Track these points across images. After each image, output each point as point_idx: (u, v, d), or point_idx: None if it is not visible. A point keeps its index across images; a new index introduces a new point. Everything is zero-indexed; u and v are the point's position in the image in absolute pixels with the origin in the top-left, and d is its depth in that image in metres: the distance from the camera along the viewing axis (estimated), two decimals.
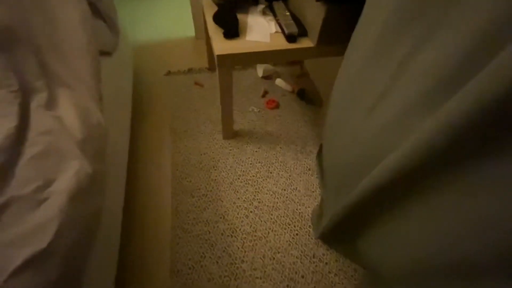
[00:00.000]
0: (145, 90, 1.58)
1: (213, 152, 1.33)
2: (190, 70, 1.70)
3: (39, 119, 0.73)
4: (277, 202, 1.17)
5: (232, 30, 0.97)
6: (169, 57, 1.79)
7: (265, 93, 1.62)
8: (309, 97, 1.59)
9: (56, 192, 0.63)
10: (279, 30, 1.04)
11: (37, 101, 0.76)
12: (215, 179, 1.24)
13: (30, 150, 0.68)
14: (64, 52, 0.87)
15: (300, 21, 1.04)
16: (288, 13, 1.05)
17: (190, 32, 1.92)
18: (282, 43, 0.99)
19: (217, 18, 0.99)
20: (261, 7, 1.10)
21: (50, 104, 0.77)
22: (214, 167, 1.28)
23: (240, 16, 1.06)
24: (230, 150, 1.35)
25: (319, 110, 1.55)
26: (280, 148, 1.37)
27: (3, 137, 0.66)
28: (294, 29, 0.99)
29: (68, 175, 0.67)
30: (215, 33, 1.00)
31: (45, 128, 0.72)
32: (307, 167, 1.30)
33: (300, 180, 1.25)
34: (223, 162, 1.30)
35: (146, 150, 1.32)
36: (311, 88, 1.65)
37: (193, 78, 1.67)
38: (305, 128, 1.46)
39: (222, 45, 0.96)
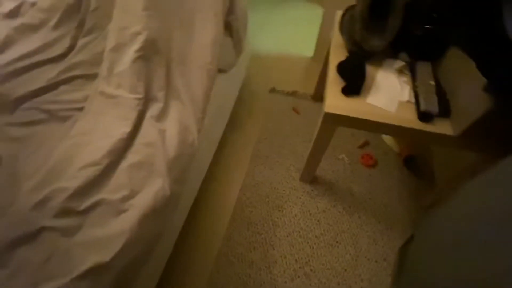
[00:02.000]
0: (244, 102, 1.63)
1: (283, 190, 1.28)
2: (293, 93, 1.66)
3: (147, 129, 0.82)
4: (331, 280, 1.04)
5: (353, 87, 0.86)
6: (279, 73, 1.79)
7: (365, 144, 1.43)
8: (418, 167, 1.32)
9: (135, 207, 0.70)
10: (413, 100, 0.86)
11: (152, 111, 0.86)
12: (275, 221, 1.18)
13: (131, 157, 0.77)
14: (188, 68, 0.95)
15: (446, 97, 0.83)
16: (433, 83, 0.85)
17: (309, 51, 1.86)
18: (410, 119, 0.82)
19: (341, 68, 0.89)
20: (399, 63, 0.93)
21: (161, 116, 0.86)
22: (279, 208, 1.22)
23: (369, 68, 0.93)
24: (302, 195, 1.26)
25: (427, 188, 1.26)
26: (359, 217, 1.19)
27: (117, 140, 0.77)
28: (434, 107, 0.80)
29: (149, 192, 0.73)
30: (333, 82, 0.91)
31: (149, 140, 0.80)
32: (383, 255, 1.10)
33: (368, 268, 1.06)
34: (290, 206, 1.23)
35: (223, 164, 1.37)
36: (424, 157, 1.36)
37: (294, 102, 1.62)
38: (399, 204, 1.22)
39: (335, 101, 0.86)
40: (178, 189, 0.82)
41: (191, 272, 1.06)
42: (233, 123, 1.51)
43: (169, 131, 0.84)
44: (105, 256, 0.62)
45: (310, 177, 1.27)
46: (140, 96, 0.84)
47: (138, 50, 0.86)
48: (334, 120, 0.85)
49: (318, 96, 1.60)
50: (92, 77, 0.97)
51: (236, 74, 1.34)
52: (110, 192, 0.70)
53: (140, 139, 0.80)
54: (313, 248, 1.11)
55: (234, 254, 1.10)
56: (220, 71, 1.11)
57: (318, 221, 1.19)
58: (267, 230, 1.16)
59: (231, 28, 1.13)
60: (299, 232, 1.16)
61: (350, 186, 1.29)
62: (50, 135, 0.84)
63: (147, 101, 0.86)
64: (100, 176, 0.72)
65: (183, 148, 0.85)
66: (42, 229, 0.62)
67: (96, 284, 0.60)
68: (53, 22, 1.07)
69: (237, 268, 1.07)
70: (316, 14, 2.04)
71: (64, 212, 0.65)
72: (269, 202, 1.24)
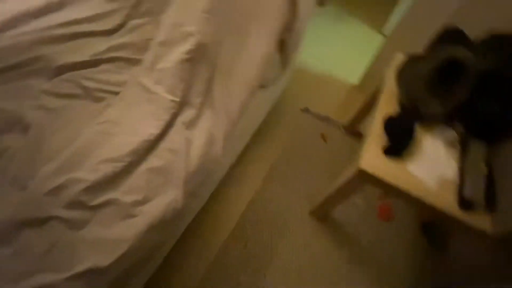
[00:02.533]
0: (273, 115, 1.58)
1: (291, 218, 1.25)
2: (326, 119, 1.60)
3: (174, 135, 0.80)
4: None
5: (397, 148, 0.80)
6: (317, 93, 1.73)
7: (386, 195, 1.36)
8: (435, 237, 1.24)
9: (144, 214, 0.69)
10: (457, 180, 0.79)
11: (185, 116, 0.84)
12: (274, 248, 1.16)
13: (152, 160, 0.75)
14: (231, 80, 0.92)
15: (495, 188, 0.76)
16: (484, 167, 0.78)
17: (354, 78, 1.78)
18: (449, 201, 0.76)
19: (390, 125, 0.83)
20: (452, 135, 0.86)
21: (192, 124, 0.84)
22: (281, 234, 1.20)
23: (418, 131, 0.86)
24: (308, 229, 1.22)
25: (437, 257, 1.20)
26: (360, 269, 1.15)
27: (143, 140, 0.76)
28: (479, 197, 0.73)
29: (162, 202, 0.72)
30: (376, 137, 0.85)
31: (174, 146, 0.79)
32: None
33: None
34: (293, 237, 1.20)
35: (236, 174, 1.34)
36: (443, 228, 1.28)
37: (324, 128, 1.57)
38: (404, 267, 1.17)
39: (373, 159, 0.81)
40: (190, 202, 0.80)
41: (179, 276, 1.06)
42: (258, 135, 1.48)
43: (196, 142, 0.82)
44: (104, 260, 0.61)
45: (321, 215, 1.23)
46: (177, 99, 0.82)
47: (186, 52, 0.83)
48: (366, 178, 0.80)
49: (352, 129, 1.53)
50: (134, 62, 0.96)
51: (274, 88, 1.30)
52: (124, 193, 0.69)
53: (165, 144, 0.79)
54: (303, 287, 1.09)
55: (225, 269, 1.09)
56: (260, 86, 1.07)
57: (315, 262, 1.15)
58: (264, 255, 1.14)
59: (283, 44, 1.08)
60: (296, 267, 1.13)
61: (359, 235, 1.24)
62: (81, 114, 0.84)
63: (182, 105, 0.84)
64: (119, 174, 0.71)
65: (206, 162, 0.83)
66: (51, 218, 0.62)
67: (90, 286, 0.60)
68: None
69: (224, 285, 1.06)
70: (373, 42, 1.95)
71: (76, 204, 0.65)
72: (273, 226, 1.22)
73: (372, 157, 0.81)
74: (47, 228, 0.62)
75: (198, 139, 0.83)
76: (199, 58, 0.85)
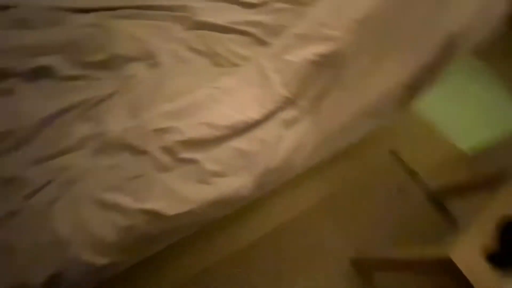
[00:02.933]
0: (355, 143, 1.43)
1: (321, 255, 1.14)
2: (413, 173, 1.42)
3: (271, 128, 0.80)
4: None
5: (506, 260, 0.66)
6: (416, 143, 1.52)
7: None
8: None
9: (216, 186, 0.72)
10: None
11: (286, 114, 0.83)
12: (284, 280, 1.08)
13: (242, 142, 0.77)
14: (346, 96, 0.87)
15: None
16: None
17: (466, 146, 1.52)
18: None
19: (509, 229, 0.68)
20: None
21: (290, 124, 0.83)
22: (303, 270, 1.11)
23: None
24: (335, 273, 1.11)
25: None
26: None
27: (243, 120, 0.77)
28: None
29: (235, 182, 0.74)
30: (481, 232, 0.71)
31: (266, 138, 0.79)
32: None
33: None
34: (314, 274, 1.11)
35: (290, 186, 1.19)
36: None
37: (405, 182, 1.39)
38: None
39: (468, 254, 0.68)
40: (254, 195, 0.80)
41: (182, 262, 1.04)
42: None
43: (286, 142, 0.81)
44: (169, 209, 0.66)
45: (363, 269, 1.12)
46: (288, 95, 0.81)
47: (319, 55, 0.80)
48: (450, 270, 0.68)
49: (438, 198, 1.34)
50: (262, 43, 0.97)
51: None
52: (208, 160, 0.73)
53: (259, 132, 0.79)
54: None
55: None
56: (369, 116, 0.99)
57: None
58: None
59: (416, 82, 0.97)
60: None
61: None
62: (200, 71, 0.90)
63: (289, 103, 0.83)
64: (210, 141, 0.74)
65: (285, 165, 0.81)
66: (147, 152, 0.69)
67: (147, 228, 0.65)
68: None
69: None
70: (510, 115, 1.62)
71: (169, 150, 0.70)
72: (298, 259, 1.13)
73: (467, 252, 0.68)
74: (141, 159, 0.69)
75: (289, 141, 0.82)
76: (327, 64, 0.82)
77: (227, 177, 0.74)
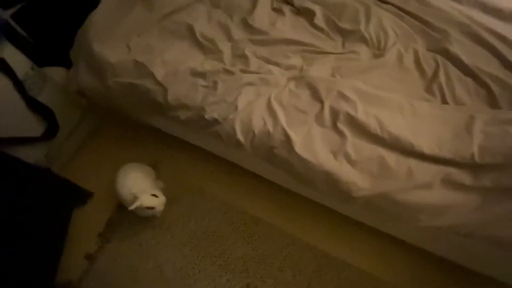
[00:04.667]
0: None
1: None
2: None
3: (422, 168, 0.75)
4: None
5: None
6: None
7: None
8: None
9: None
10: None
11: (455, 173, 0.74)
12: None
13: (383, 152, 0.77)
14: None
15: None
16: None
17: None
18: None
19: None
20: None
21: (447, 184, 0.74)
22: None
23: None
24: None
25: None
26: None
27: (410, 142, 0.76)
28: None
29: None
30: None
31: (401, 167, 0.75)
32: None
33: None
34: None
35: None
36: None
37: None
38: None
39: None
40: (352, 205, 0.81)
41: None
42: None
43: (429, 195, 0.74)
44: (299, 147, 0.79)
45: None
46: (476, 160, 0.72)
47: None
48: None
49: None
50: (492, 102, 0.86)
51: None
52: (353, 144, 0.79)
53: (413, 162, 0.76)
54: None
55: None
56: None
57: None
58: None
59: None
60: None
61: None
62: (413, 85, 0.91)
63: (468, 167, 0.73)
64: (364, 135, 0.79)
65: (404, 209, 0.76)
66: (322, 103, 0.83)
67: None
68: None
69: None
70: None
71: (335, 113, 0.82)
72: None
73: None
74: (315, 104, 0.83)
75: (434, 196, 0.74)
76: None
77: (353, 168, 0.77)
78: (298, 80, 0.89)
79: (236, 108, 0.85)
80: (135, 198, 0.97)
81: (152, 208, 0.98)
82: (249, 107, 0.85)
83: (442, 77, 0.91)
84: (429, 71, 0.93)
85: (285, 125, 0.81)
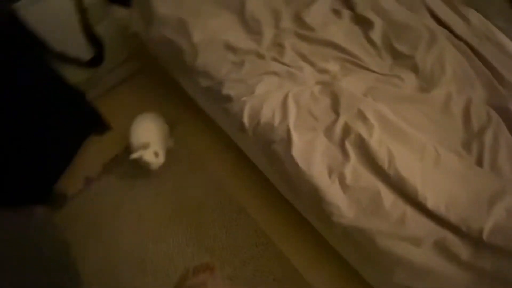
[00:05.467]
0: None
1: None
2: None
3: (409, 224, 0.67)
4: None
5: None
6: None
7: None
8: None
9: None
10: None
11: (450, 240, 0.66)
12: None
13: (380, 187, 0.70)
14: None
15: None
16: None
17: None
18: None
19: None
20: None
21: (439, 248, 0.66)
22: None
23: None
24: None
25: None
26: None
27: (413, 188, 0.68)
28: None
29: None
30: None
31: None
32: None
33: None
34: None
35: None
36: None
37: None
38: None
39: None
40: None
41: None
42: None
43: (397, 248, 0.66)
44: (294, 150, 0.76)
45: None
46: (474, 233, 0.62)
47: None
48: None
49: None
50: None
51: None
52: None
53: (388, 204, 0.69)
54: None
55: None
56: None
57: None
58: None
59: None
60: None
61: None
62: (451, 130, 0.82)
63: (464, 235, 0.64)
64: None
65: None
66: (339, 114, 0.78)
67: None
68: None
69: None
70: None
71: (346, 130, 0.77)
72: None
73: None
74: (331, 113, 0.79)
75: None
76: None
77: (343, 192, 0.72)
78: (325, 86, 0.84)
79: (253, 92, 0.84)
80: (139, 148, 1.03)
81: (148, 164, 1.03)
82: (265, 96, 0.83)
83: (488, 137, 0.79)
84: (476, 125, 0.82)
85: (291, 125, 0.78)
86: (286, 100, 0.82)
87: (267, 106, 0.81)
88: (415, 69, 0.91)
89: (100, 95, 1.35)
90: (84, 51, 1.20)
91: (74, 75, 1.19)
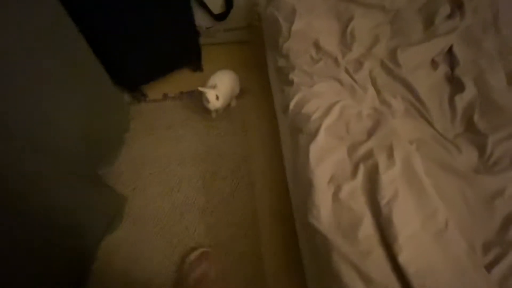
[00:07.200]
0: None
1: None
2: None
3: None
4: None
5: None
6: None
7: None
8: None
9: None
10: None
11: None
12: None
13: None
14: None
15: None
16: None
17: None
18: None
19: None
20: None
21: None
22: None
23: None
24: None
25: None
26: None
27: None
28: None
29: None
30: None
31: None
32: None
33: None
34: None
35: None
36: None
37: None
38: None
39: None
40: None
41: None
42: None
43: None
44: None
45: None
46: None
47: None
48: None
49: None
50: None
51: None
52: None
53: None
54: None
55: None
56: None
57: None
58: None
59: None
60: None
61: None
62: None
63: None
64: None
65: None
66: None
67: None
68: None
69: None
70: None
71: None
72: None
73: None
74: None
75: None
76: None
77: (332, 201, 0.75)
78: (375, 112, 0.87)
79: (312, 86, 0.93)
80: (209, 87, 1.24)
81: (208, 101, 1.23)
82: (320, 94, 0.92)
83: None
84: None
85: (324, 125, 0.84)
86: (333, 106, 0.88)
87: (315, 102, 0.89)
88: (481, 149, 0.84)
89: (208, 43, 1.65)
90: (218, 6, 1.50)
91: (200, 19, 1.50)
